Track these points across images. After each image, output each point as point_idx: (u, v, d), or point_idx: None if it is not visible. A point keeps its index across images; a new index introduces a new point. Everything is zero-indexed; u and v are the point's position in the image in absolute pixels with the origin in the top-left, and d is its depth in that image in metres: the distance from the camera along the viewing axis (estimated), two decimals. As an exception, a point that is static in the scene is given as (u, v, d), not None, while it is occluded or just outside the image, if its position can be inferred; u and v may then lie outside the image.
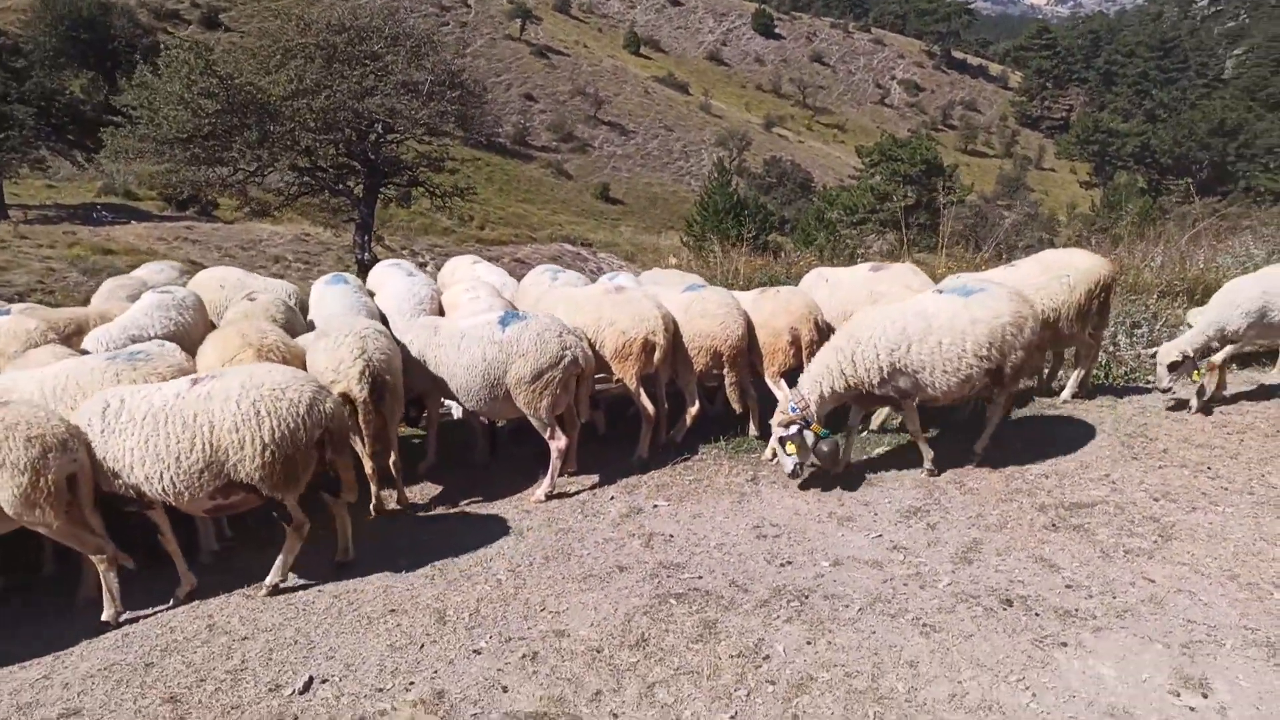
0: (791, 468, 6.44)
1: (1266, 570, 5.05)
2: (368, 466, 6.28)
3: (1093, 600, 4.88)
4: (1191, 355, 7.22)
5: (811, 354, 7.09)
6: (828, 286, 8.14)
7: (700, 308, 7.34)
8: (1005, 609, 4.84)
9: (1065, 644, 4.51)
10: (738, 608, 5.01)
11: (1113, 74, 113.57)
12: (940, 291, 6.60)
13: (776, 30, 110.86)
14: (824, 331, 7.30)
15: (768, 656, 4.55)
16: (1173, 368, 7.22)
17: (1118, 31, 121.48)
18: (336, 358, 6.12)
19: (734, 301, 7.47)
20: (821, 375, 6.41)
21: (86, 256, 23.38)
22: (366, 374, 6.10)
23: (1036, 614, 4.77)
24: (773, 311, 7.38)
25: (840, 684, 4.31)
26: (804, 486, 6.61)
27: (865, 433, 7.56)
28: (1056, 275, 7.36)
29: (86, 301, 9.13)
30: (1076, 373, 7.91)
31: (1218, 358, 7.36)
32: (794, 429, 6.36)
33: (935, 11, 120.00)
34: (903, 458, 6.99)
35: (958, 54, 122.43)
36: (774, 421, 6.50)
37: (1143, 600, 4.84)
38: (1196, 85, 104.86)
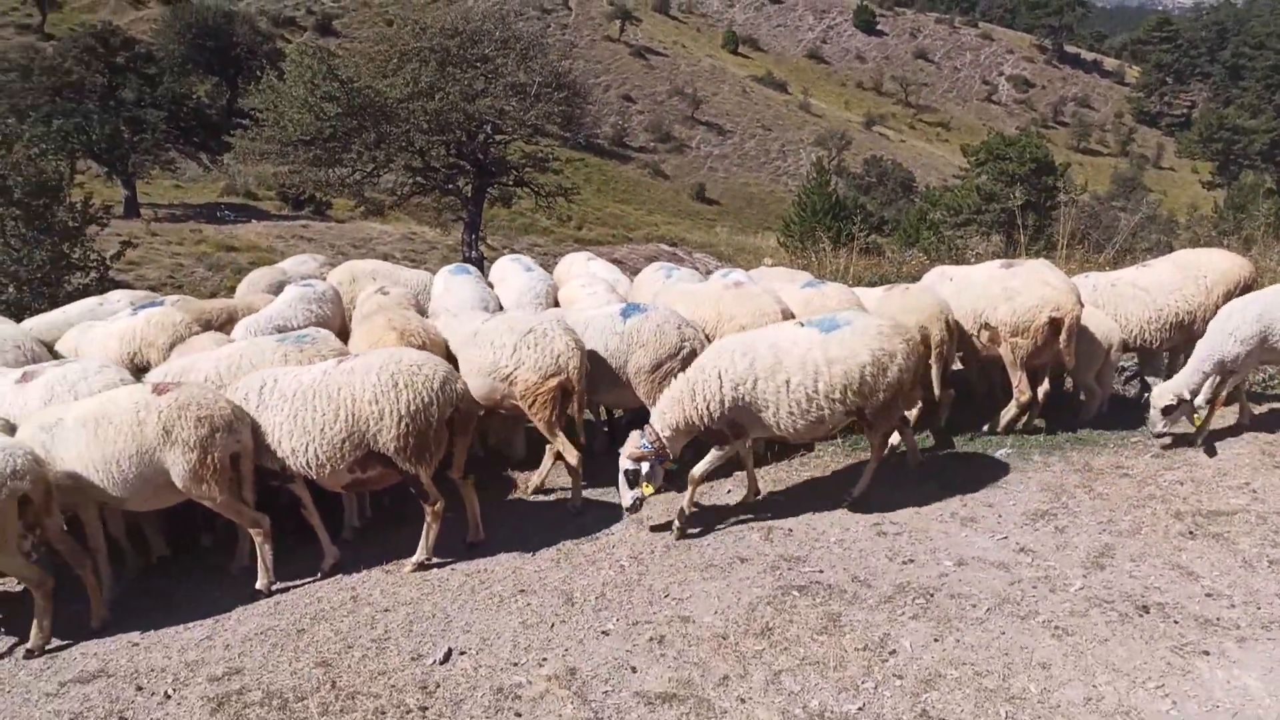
0: (631, 502, 5.91)
1: None
2: (572, 457, 6.48)
3: (1236, 610, 4.72)
4: (1188, 397, 6.59)
5: (941, 354, 7.00)
6: (953, 285, 7.96)
7: (821, 303, 7.35)
8: (1141, 615, 4.73)
9: (1207, 653, 4.38)
10: (861, 602, 5.03)
11: (1240, 68, 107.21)
12: (802, 323, 6.11)
13: (879, 26, 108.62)
14: (954, 330, 7.18)
15: (894, 651, 4.57)
16: (1166, 411, 6.63)
17: (1245, 22, 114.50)
18: (554, 350, 6.33)
19: (854, 297, 7.46)
20: (666, 407, 5.96)
21: (211, 253, 24.75)
22: (583, 365, 6.42)
23: (1175, 621, 4.65)
24: (902, 309, 7.24)
25: (970, 682, 4.30)
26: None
27: (988, 433, 7.44)
28: (1193, 276, 7.10)
29: (212, 294, 9.72)
30: (1212, 379, 7.59)
31: (1217, 392, 6.68)
32: (644, 465, 5.86)
33: (1047, 4, 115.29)
34: (1027, 460, 6.87)
35: (1070, 48, 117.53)
36: (624, 454, 5.91)
37: (1290, 612, 4.67)
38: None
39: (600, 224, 48.89)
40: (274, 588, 5.54)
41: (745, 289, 7.45)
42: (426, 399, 5.41)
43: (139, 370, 6.67)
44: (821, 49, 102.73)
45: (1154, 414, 6.71)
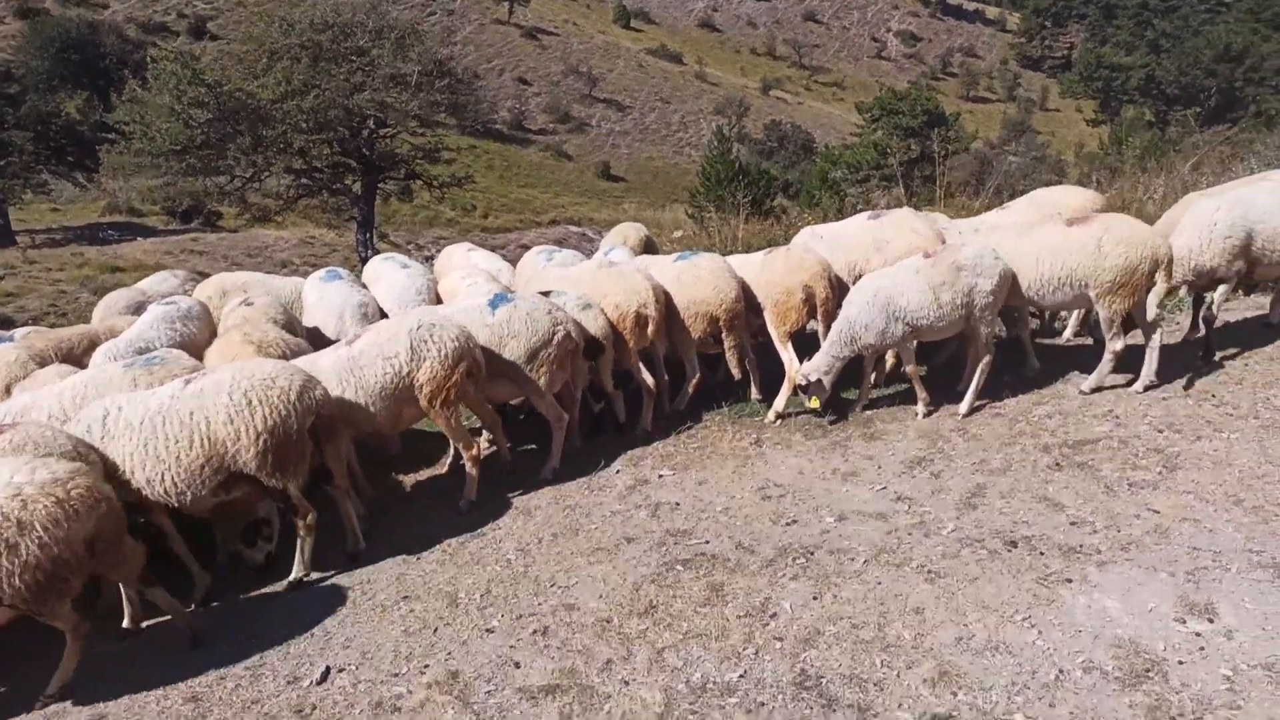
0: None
1: (1272, 493, 5.04)
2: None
3: (1097, 535, 4.89)
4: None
5: (827, 311, 7.09)
6: (824, 243, 8.06)
7: (692, 274, 7.33)
8: (1009, 550, 4.86)
9: (1070, 580, 4.52)
10: (744, 569, 5.05)
11: (1112, 7, 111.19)
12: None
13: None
14: (837, 288, 7.26)
15: (775, 614, 4.60)
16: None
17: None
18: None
19: (726, 266, 7.46)
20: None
21: (96, 276, 23.59)
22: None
23: (1041, 553, 4.79)
24: (785, 270, 7.30)
25: (847, 635, 4.35)
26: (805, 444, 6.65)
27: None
28: (1049, 214, 7.29)
29: (94, 321, 9.21)
30: (1077, 311, 7.85)
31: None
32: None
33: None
34: (906, 411, 6.99)
35: (952, 0, 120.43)
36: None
37: (1147, 531, 4.85)
38: (1199, 11, 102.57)
39: (506, 210, 48.28)
40: (143, 624, 5.29)
41: (617, 268, 7.40)
42: (284, 411, 5.20)
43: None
44: (713, 18, 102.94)
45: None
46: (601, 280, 7.25)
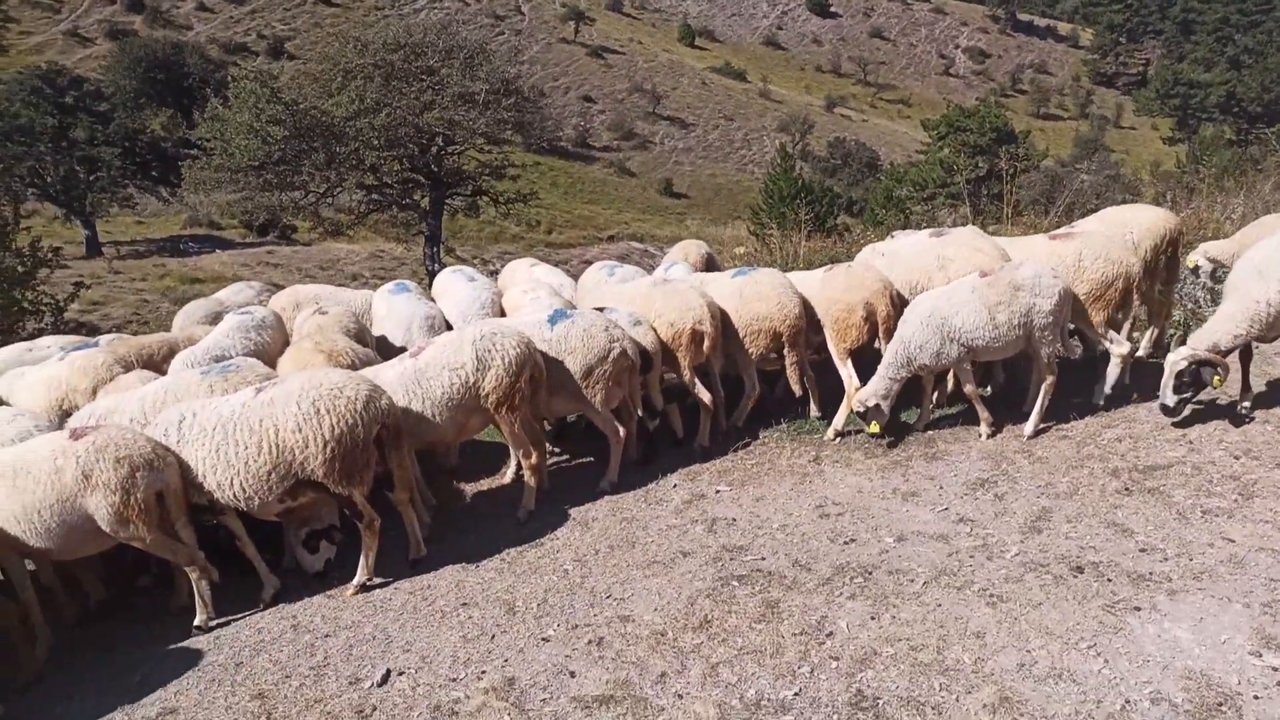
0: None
1: (1357, 524, 4.84)
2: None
3: (1168, 563, 4.75)
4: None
5: (888, 329, 7.02)
6: (885, 260, 7.99)
7: (754, 290, 7.33)
8: (1075, 576, 4.74)
9: (1139, 608, 4.40)
10: (800, 587, 5.02)
11: (1190, 22, 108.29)
12: None
13: (832, 8, 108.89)
14: (899, 305, 7.19)
15: (831, 633, 4.56)
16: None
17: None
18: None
19: (787, 281, 7.45)
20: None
21: (176, 287, 24.54)
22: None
23: (1109, 579, 4.67)
24: (846, 287, 7.26)
25: (905, 657, 4.29)
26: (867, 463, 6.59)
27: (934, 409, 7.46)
28: (1119, 233, 7.13)
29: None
30: (1149, 331, 7.65)
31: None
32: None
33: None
34: (969, 431, 6.88)
35: (1023, 16, 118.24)
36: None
37: (1221, 561, 4.70)
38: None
39: (570, 226, 48.81)
40: (214, 622, 5.46)
41: (672, 285, 7.44)
42: (350, 421, 5.35)
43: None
44: (777, 35, 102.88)
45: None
46: (656, 298, 7.29)
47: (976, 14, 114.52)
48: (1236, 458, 5.77)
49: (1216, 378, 5.93)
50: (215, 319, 8.54)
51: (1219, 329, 5.95)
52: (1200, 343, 5.96)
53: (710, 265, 10.13)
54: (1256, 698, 3.74)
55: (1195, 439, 6.11)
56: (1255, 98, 72.39)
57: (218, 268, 28.06)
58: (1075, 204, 15.49)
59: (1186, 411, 6.27)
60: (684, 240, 10.72)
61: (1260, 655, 3.96)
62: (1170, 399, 6.09)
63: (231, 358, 7.18)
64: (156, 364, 7.73)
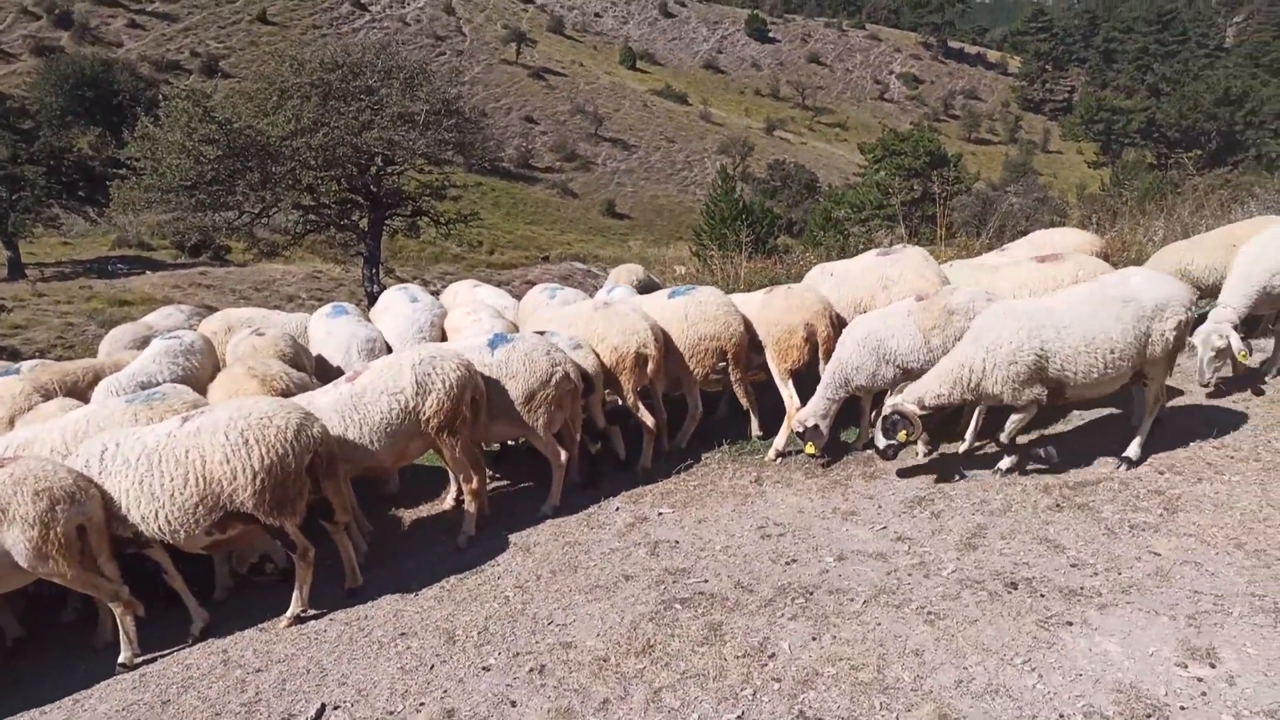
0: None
1: (1274, 536, 5.01)
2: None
3: (1098, 578, 4.86)
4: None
5: (828, 350, 7.11)
6: (833, 280, 8.11)
7: (699, 311, 7.37)
8: (1010, 592, 4.83)
9: (1071, 623, 4.49)
10: (743, 608, 5.03)
11: (1112, 51, 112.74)
12: None
13: (770, 34, 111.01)
14: (838, 326, 7.28)
15: (773, 655, 4.56)
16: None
17: (1114, 8, 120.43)
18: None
19: (729, 300, 7.52)
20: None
21: (104, 309, 23.81)
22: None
23: (1041, 595, 4.76)
24: (787, 308, 7.34)
25: (846, 677, 4.31)
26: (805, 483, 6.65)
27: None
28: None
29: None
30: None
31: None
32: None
33: (928, 3, 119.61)
34: (907, 450, 6.97)
35: (954, 44, 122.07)
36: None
37: (1148, 574, 4.82)
38: (1198, 56, 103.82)
39: (512, 247, 48.67)
40: (140, 659, 5.26)
41: (614, 308, 7.45)
42: (281, 451, 5.21)
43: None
44: (717, 59, 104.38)
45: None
46: (598, 321, 7.29)
47: (910, 41, 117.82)
48: (1161, 473, 5.95)
49: (903, 432, 6.12)
50: (144, 344, 8.31)
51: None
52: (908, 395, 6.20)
53: (648, 289, 10.17)
54: (1183, 708, 3.83)
55: (1119, 453, 6.28)
56: (1174, 124, 75.47)
57: (148, 289, 27.30)
58: (1005, 226, 15.97)
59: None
60: (624, 264, 10.76)
61: (1186, 666, 4.07)
62: (880, 443, 6.24)
63: (159, 384, 6.98)
64: (81, 391, 7.49)
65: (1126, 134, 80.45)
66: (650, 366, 7.12)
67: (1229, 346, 6.63)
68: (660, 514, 6.50)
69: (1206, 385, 6.80)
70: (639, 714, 4.25)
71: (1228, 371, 7.17)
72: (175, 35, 70.10)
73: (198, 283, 28.84)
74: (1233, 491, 5.56)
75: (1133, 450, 6.17)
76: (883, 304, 7.38)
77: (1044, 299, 6.31)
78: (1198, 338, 6.72)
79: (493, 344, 6.62)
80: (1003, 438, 6.25)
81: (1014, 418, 6.12)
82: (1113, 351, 5.84)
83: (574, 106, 76.52)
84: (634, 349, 7.07)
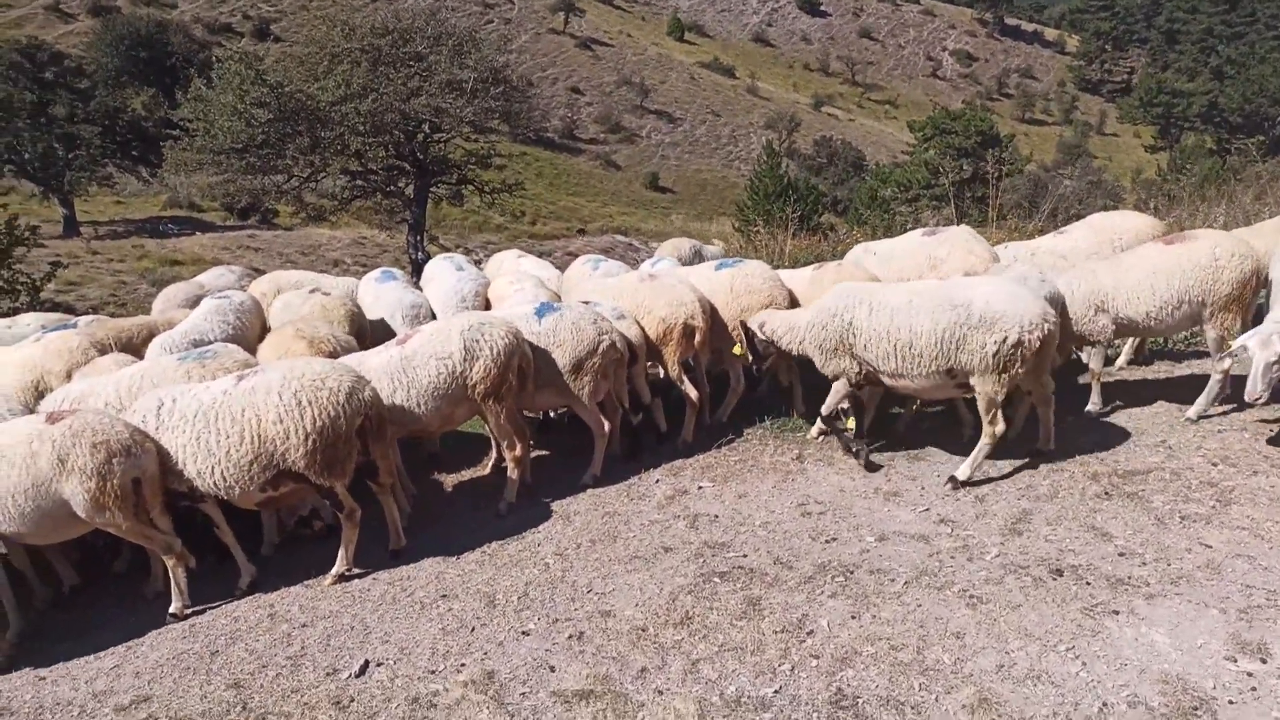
0: None
1: (1331, 532, 4.89)
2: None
3: (1146, 568, 4.78)
4: None
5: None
6: (877, 259, 8.03)
7: (744, 284, 7.32)
8: (1055, 579, 4.77)
9: (1117, 612, 4.42)
10: (782, 584, 5.02)
11: (1175, 32, 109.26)
12: None
13: (822, 7, 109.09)
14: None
15: (812, 631, 4.56)
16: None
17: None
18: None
19: (775, 274, 7.48)
20: None
21: (155, 269, 24.26)
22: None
23: (1087, 583, 4.70)
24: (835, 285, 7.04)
25: (885, 657, 4.30)
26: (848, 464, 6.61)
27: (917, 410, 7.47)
28: (1108, 239, 7.17)
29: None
30: (1132, 339, 7.70)
31: None
32: None
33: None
34: (952, 432, 6.91)
35: (1011, 21, 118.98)
36: None
37: (1199, 566, 4.73)
38: (1266, 39, 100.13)
39: (554, 218, 48.66)
40: (190, 610, 5.41)
41: (661, 280, 7.42)
42: (333, 413, 5.29)
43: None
44: (767, 32, 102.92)
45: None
46: (644, 293, 7.28)
47: (965, 17, 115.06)
48: (1214, 464, 5.82)
49: None
50: (195, 303, 8.46)
51: None
52: None
53: (699, 261, 10.14)
54: (1231, 702, 3.77)
55: (1174, 445, 6.16)
56: (1237, 108, 73.07)
57: (197, 250, 27.75)
58: (1058, 209, 15.63)
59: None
60: (675, 238, 10.72)
61: (1235, 660, 4.00)
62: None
63: (210, 342, 7.12)
64: (135, 347, 7.65)
65: (1186, 118, 78.13)
66: (697, 339, 7.10)
67: None
68: (700, 488, 6.51)
69: (1257, 399, 5.70)
70: (676, 684, 4.28)
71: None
72: (228, -2, 70.73)
73: (246, 245, 29.23)
74: (1289, 486, 5.43)
75: (961, 471, 6.00)
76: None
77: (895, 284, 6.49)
78: (1251, 341, 5.78)
79: (540, 312, 6.64)
80: (823, 409, 6.61)
81: (834, 388, 6.45)
82: (911, 347, 5.80)
83: (620, 77, 76.01)
84: (681, 320, 7.05)
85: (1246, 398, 5.73)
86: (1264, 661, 3.97)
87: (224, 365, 6.10)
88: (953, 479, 6.00)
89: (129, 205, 36.43)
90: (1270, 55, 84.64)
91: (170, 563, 5.37)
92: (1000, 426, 5.90)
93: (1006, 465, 6.23)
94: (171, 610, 5.36)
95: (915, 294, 5.96)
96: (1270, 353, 5.64)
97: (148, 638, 5.20)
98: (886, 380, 6.13)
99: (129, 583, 6.02)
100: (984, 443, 5.96)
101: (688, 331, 7.07)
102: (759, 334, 6.66)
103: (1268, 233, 7.19)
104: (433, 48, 20.95)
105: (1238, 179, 14.66)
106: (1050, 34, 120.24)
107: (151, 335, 7.77)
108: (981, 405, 5.90)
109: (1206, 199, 12.71)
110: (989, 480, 6.05)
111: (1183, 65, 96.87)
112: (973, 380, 5.81)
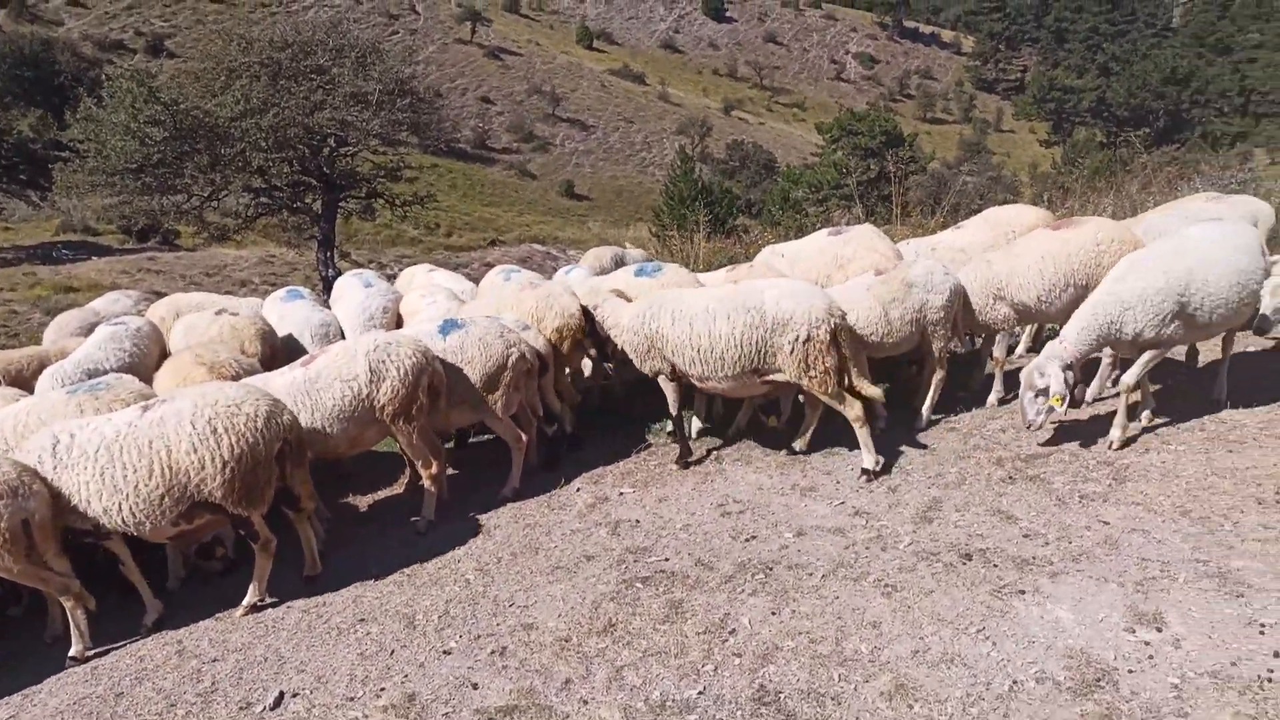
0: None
1: (1217, 503, 5.15)
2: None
3: (1049, 547, 4.96)
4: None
5: None
6: (785, 261, 8.17)
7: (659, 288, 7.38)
8: (964, 563, 4.91)
9: (1023, 592, 4.58)
10: (703, 586, 5.05)
11: (1064, 31, 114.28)
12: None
13: (727, 13, 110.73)
14: None
15: (734, 630, 4.60)
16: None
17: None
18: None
19: (695, 278, 7.58)
20: None
21: (48, 296, 23.09)
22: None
23: (995, 565, 4.85)
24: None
25: (805, 650, 4.36)
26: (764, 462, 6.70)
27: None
28: (1003, 233, 7.44)
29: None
30: (1029, 327, 8.00)
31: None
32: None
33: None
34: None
35: (909, 23, 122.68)
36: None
37: (1098, 543, 4.93)
38: (1146, 36, 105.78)
39: (470, 229, 48.10)
40: (92, 652, 5.16)
41: (545, 287, 7.46)
42: (251, 439, 5.11)
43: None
44: (674, 39, 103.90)
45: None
46: (528, 301, 7.29)
47: (865, 20, 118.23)
48: (1109, 444, 6.08)
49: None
50: (90, 330, 8.09)
51: None
52: None
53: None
54: (1131, 671, 3.93)
55: (1070, 428, 6.42)
56: (1123, 103, 76.94)
57: (94, 275, 26.54)
58: (960, 204, 16.15)
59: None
60: (594, 246, 10.75)
61: (1134, 631, 4.17)
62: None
63: (105, 371, 6.82)
64: (25, 380, 7.30)
65: (1077, 113, 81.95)
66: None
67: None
68: (621, 494, 6.51)
69: (1030, 427, 6.01)
70: (601, 692, 4.26)
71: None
72: (119, 13, 68.02)
73: (146, 268, 28.09)
74: (1178, 461, 5.71)
75: (866, 461, 6.18)
76: (839, 283, 7.43)
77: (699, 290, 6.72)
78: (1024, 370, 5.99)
79: (444, 330, 6.53)
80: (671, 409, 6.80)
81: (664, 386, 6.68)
82: (713, 351, 6.12)
83: (531, 86, 75.73)
84: (565, 327, 7.12)
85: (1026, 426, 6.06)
86: (1159, 630, 4.15)
87: (118, 396, 5.83)
88: (865, 471, 6.14)
89: (18, 231, 34.65)
90: (1151, 52, 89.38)
91: (69, 604, 5.11)
92: (856, 409, 6.14)
93: (917, 455, 6.40)
94: (72, 654, 5.10)
95: (713, 300, 6.24)
96: (1030, 388, 5.90)
97: (46, 684, 4.93)
98: (696, 383, 6.41)
99: (27, 627, 5.71)
100: (857, 430, 6.19)
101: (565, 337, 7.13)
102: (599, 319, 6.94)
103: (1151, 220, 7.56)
104: (335, 60, 20.50)
105: (1126, 170, 15.40)
106: (947, 35, 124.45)
107: (43, 366, 7.40)
108: (820, 400, 6.22)
109: (1096, 190, 13.30)
110: (900, 470, 6.20)
111: (1072, 63, 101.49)
112: (791, 380, 6.12)
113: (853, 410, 6.10)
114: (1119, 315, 5.71)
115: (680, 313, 6.28)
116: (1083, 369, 6.13)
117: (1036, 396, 5.85)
